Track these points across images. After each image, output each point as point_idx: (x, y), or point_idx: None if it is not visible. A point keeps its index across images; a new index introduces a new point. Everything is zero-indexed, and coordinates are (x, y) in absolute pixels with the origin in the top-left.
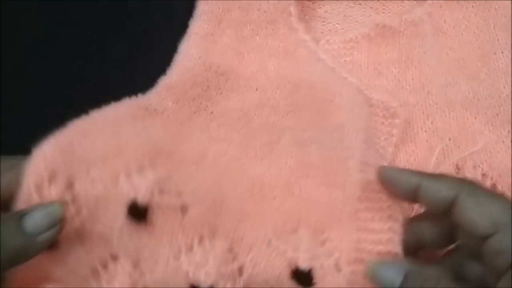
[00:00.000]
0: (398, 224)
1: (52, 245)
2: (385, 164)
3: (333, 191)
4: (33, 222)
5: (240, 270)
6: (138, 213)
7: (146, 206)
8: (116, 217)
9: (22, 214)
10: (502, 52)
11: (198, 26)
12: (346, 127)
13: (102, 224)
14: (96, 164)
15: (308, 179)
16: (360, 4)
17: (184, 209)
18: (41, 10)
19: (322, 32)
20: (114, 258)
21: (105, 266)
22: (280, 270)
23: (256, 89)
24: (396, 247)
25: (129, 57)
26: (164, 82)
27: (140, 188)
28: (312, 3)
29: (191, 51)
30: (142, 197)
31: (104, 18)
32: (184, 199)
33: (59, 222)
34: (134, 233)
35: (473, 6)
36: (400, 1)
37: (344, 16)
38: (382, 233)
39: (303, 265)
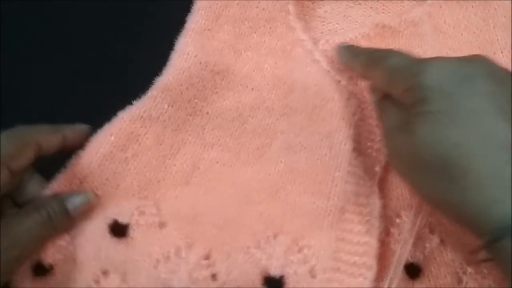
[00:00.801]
0: (374, 239)
1: (48, 272)
2: (377, 169)
3: (318, 199)
4: (73, 205)
5: (214, 276)
6: (119, 230)
7: (126, 224)
8: (101, 236)
9: (65, 197)
10: (502, 52)
11: (195, 21)
12: (336, 135)
13: (91, 244)
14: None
15: (294, 185)
16: (360, 4)
17: (162, 224)
18: (41, 10)
19: (322, 32)
20: (105, 273)
21: (97, 281)
22: (253, 277)
23: (252, 89)
24: (371, 260)
25: (128, 56)
26: (160, 83)
27: (120, 212)
28: (312, 3)
29: (188, 49)
30: (122, 218)
31: (104, 17)
32: (163, 217)
33: (90, 208)
34: (117, 248)
35: (473, 6)
36: (400, 1)
37: (344, 16)
38: (358, 246)
39: (275, 272)
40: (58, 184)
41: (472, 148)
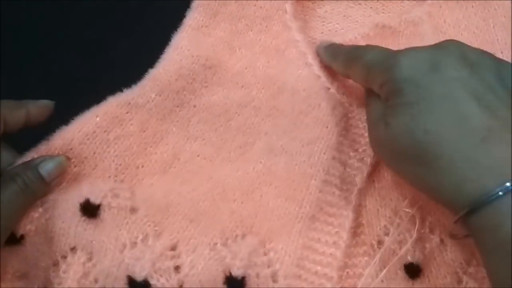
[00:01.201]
0: (340, 251)
1: (19, 242)
2: (357, 180)
3: (291, 205)
4: (46, 170)
5: (178, 268)
6: (90, 210)
7: (98, 204)
8: (73, 213)
9: (37, 163)
10: (501, 52)
11: (193, 18)
12: (317, 143)
13: (62, 220)
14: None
15: (270, 187)
16: (360, 4)
17: (133, 210)
18: (41, 10)
19: (322, 32)
20: (72, 249)
21: (64, 257)
22: (215, 274)
23: (242, 87)
24: (333, 272)
25: (128, 56)
26: (151, 74)
27: (94, 192)
28: (312, 3)
29: (181, 43)
30: (95, 198)
31: (103, 17)
32: (135, 202)
33: (64, 171)
34: (87, 228)
35: (473, 6)
36: (400, 1)
37: (344, 16)
38: (323, 256)
39: (237, 272)
40: (35, 155)
41: (443, 133)
